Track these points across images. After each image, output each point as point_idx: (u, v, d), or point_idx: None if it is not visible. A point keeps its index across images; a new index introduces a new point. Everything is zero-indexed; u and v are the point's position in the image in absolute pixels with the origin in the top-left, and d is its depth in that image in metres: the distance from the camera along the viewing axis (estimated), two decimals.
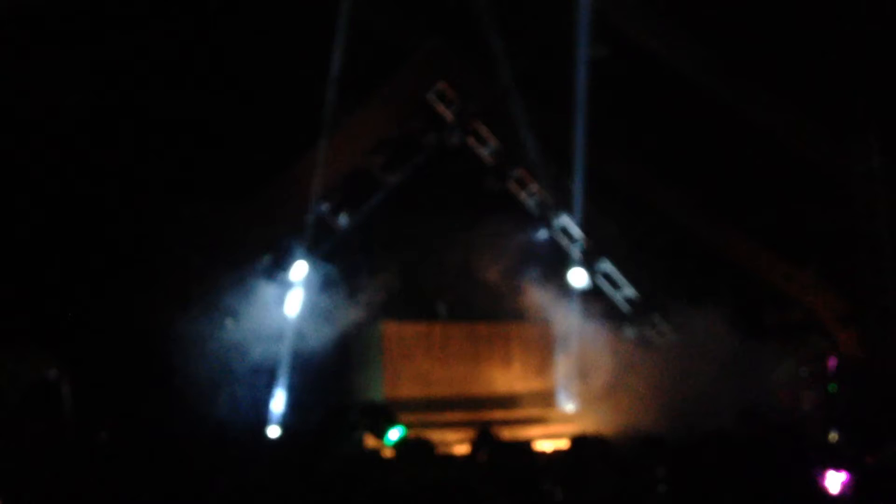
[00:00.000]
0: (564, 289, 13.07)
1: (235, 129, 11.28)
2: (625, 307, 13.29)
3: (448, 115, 12.32)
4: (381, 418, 3.97)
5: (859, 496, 4.86)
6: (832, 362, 10.28)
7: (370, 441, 8.23)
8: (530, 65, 11.86)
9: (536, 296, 12.54)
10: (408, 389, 11.25)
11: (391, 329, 11.84)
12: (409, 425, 7.17)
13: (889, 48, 10.30)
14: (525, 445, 8.67)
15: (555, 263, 13.28)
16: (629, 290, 13.20)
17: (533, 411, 11.94)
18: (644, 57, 11.35)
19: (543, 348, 12.61)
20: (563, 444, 7.98)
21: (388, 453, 5.79)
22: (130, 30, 10.57)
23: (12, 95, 9.93)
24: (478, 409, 11.44)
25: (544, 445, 9.67)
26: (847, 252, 12.12)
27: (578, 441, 5.98)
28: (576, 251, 13.11)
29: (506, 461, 5.45)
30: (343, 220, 11.67)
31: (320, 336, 11.22)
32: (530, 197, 12.95)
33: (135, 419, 8.83)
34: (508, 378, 12.21)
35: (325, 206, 11.60)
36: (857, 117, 11.60)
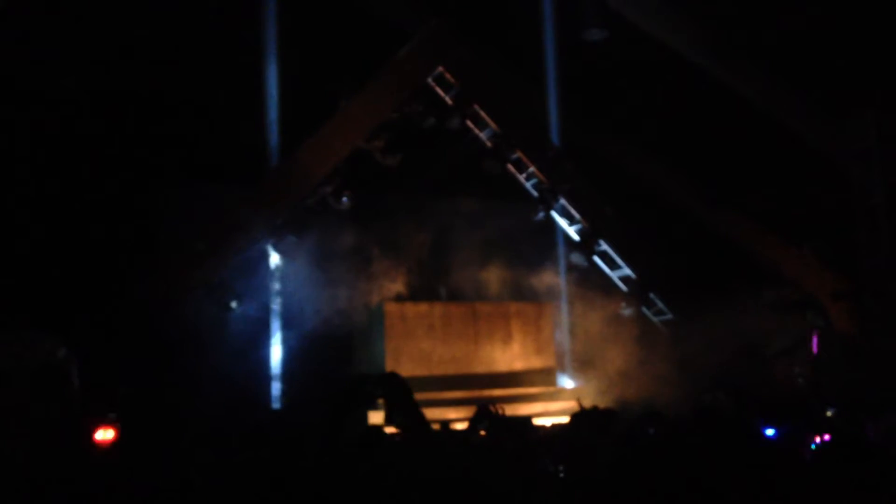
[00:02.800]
0: (563, 268, 13.20)
1: (238, 113, 11.33)
2: (623, 286, 13.43)
3: (447, 98, 12.40)
4: (398, 388, 4.06)
5: (853, 468, 4.96)
6: (815, 340, 10.34)
7: (374, 418, 8.40)
8: (527, 48, 11.92)
9: (536, 275, 12.67)
10: (409, 368, 11.35)
11: (393, 309, 11.97)
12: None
13: (887, 29, 10.34)
14: (524, 420, 8.78)
15: (553, 243, 13.40)
16: (627, 270, 13.32)
17: (533, 389, 12.07)
18: (641, 38, 11.38)
19: (543, 327, 12.71)
20: (563, 419, 8.10)
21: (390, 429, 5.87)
22: (131, 14, 10.60)
23: (11, 81, 10.00)
24: (479, 387, 11.56)
25: (544, 421, 9.80)
26: (844, 230, 12.18)
27: (578, 416, 6.03)
28: (574, 231, 13.25)
29: (504, 436, 5.49)
30: (344, 201, 11.72)
31: (322, 317, 11.36)
32: (529, 179, 13.06)
33: (143, 400, 8.96)
34: (509, 356, 12.34)
35: (326, 189, 11.67)
36: (854, 97, 11.65)
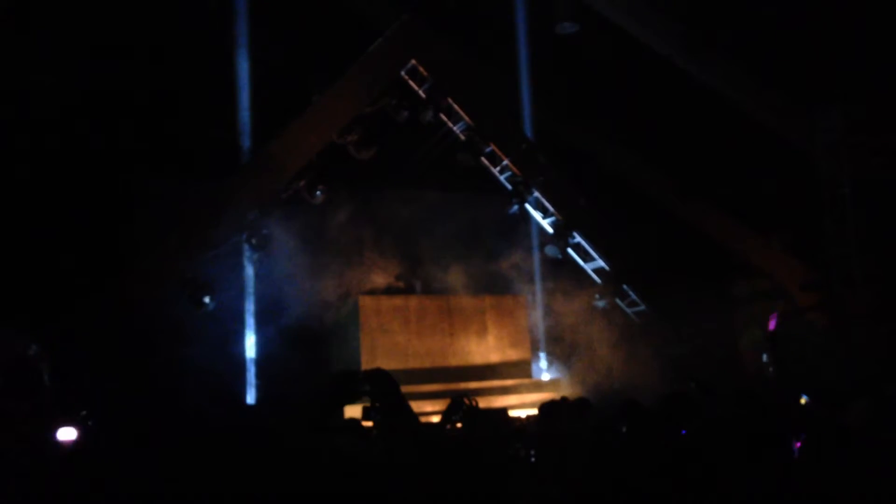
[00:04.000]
0: (537, 261, 13.28)
1: (211, 107, 11.28)
2: (597, 278, 13.50)
3: (421, 92, 12.40)
4: (383, 384, 4.07)
5: (824, 457, 4.98)
6: (772, 323, 10.47)
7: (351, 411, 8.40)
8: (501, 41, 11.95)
9: (510, 268, 12.73)
10: (384, 362, 11.36)
11: (367, 302, 11.97)
12: None
13: (854, 23, 10.49)
14: (499, 412, 8.84)
15: (528, 236, 13.46)
16: (601, 262, 13.39)
17: (508, 381, 12.12)
18: (610, 31, 11.46)
19: (518, 319, 12.80)
20: (537, 410, 8.15)
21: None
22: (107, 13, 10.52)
23: None
24: (454, 379, 11.60)
25: (520, 413, 9.87)
26: (813, 221, 12.35)
27: (550, 405, 6.05)
28: (548, 223, 13.31)
29: (479, 427, 5.52)
30: (318, 195, 11.70)
31: (297, 311, 11.34)
32: (503, 172, 13.09)
33: (114, 396, 8.91)
34: (484, 349, 12.40)
35: (300, 182, 11.63)
36: (821, 90, 11.82)
